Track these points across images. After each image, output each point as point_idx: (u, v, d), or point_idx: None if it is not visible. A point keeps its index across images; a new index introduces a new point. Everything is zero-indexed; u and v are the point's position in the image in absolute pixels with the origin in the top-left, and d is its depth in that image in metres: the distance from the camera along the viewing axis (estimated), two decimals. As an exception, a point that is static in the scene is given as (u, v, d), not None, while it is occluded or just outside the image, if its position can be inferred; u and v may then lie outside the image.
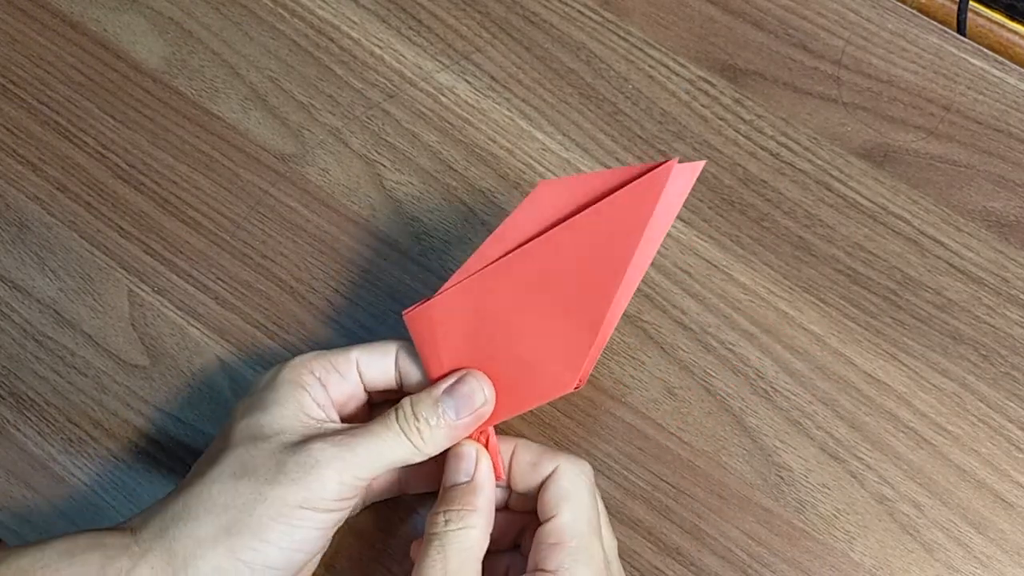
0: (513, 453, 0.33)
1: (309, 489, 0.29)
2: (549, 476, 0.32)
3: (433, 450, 0.32)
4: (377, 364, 0.34)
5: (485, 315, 0.32)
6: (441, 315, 0.33)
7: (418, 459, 0.32)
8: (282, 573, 0.30)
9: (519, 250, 0.31)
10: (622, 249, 0.30)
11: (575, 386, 0.32)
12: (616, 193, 0.30)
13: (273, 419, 0.32)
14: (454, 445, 0.32)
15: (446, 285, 0.33)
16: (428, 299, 0.33)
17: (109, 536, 0.30)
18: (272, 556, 0.29)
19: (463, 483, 0.32)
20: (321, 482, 0.30)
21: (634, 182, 0.29)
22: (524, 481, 0.33)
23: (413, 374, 0.35)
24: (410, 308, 0.33)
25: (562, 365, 0.32)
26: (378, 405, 0.36)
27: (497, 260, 0.32)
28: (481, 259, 0.32)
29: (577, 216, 0.30)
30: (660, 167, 0.29)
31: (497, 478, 0.33)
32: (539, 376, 0.32)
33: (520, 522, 0.35)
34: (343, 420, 0.35)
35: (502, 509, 0.35)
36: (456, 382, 0.32)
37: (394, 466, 0.32)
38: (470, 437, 0.33)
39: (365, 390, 0.35)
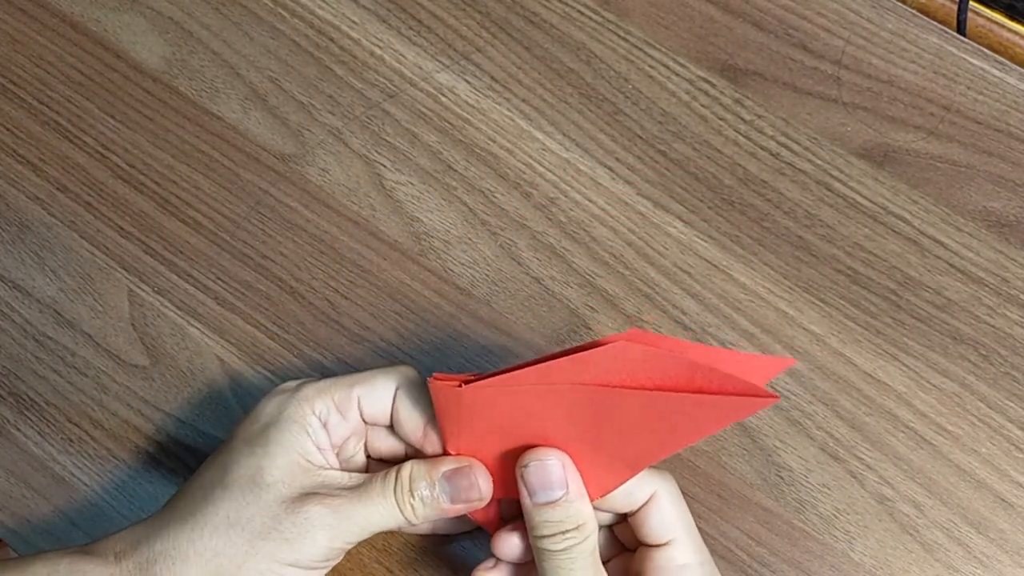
0: None
1: (300, 551, 0.30)
2: (648, 501, 0.32)
3: (420, 522, 0.32)
4: (378, 403, 0.34)
5: (523, 419, 0.31)
6: (471, 402, 0.31)
7: (404, 528, 0.32)
8: None
9: (587, 386, 0.30)
10: (696, 433, 0.30)
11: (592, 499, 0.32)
12: (721, 397, 0.28)
13: (274, 463, 0.32)
14: (535, 460, 0.31)
15: (487, 376, 0.31)
16: (461, 378, 0.31)
17: (90, 563, 0.30)
18: None
19: (560, 497, 0.31)
20: (313, 545, 0.30)
21: (742, 397, 0.28)
22: (619, 508, 0.33)
23: (406, 421, 0.34)
24: (439, 377, 0.32)
25: (591, 485, 0.32)
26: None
27: (560, 383, 0.30)
28: (535, 374, 0.30)
29: (670, 392, 0.29)
30: (768, 397, 0.28)
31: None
32: None
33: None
34: (341, 458, 0.35)
35: None
36: (458, 470, 0.32)
37: (382, 530, 0.32)
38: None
39: (364, 423, 0.35)
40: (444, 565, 0.37)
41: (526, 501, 0.31)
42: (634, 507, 0.32)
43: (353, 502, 0.31)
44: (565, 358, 0.29)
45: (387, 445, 0.35)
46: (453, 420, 0.32)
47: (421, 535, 0.37)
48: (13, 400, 0.40)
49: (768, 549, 0.37)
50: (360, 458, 0.36)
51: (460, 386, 0.31)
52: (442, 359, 0.36)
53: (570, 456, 0.32)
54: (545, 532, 0.31)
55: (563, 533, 0.30)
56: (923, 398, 0.39)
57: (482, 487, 0.32)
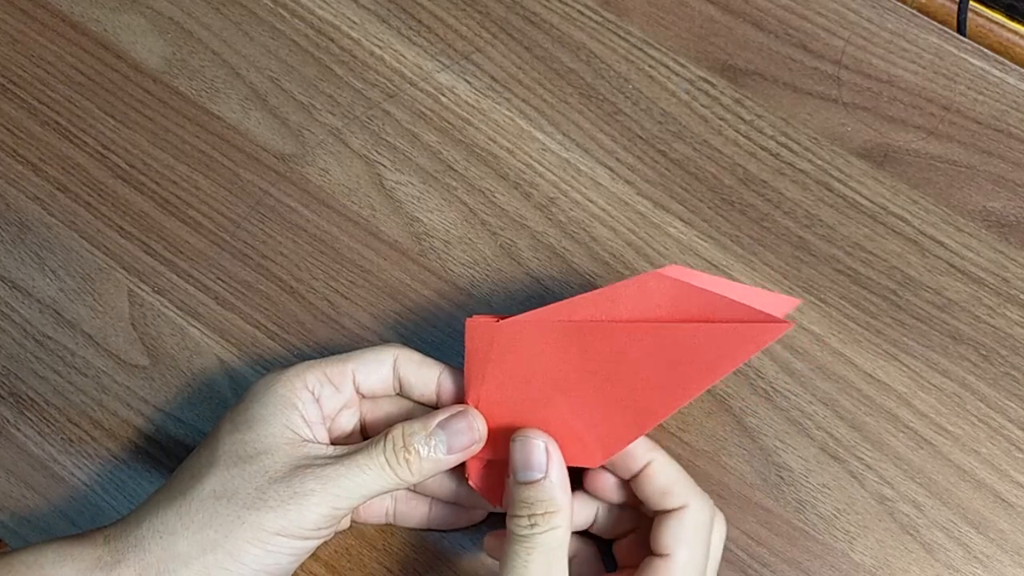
0: (648, 466, 0.32)
1: (288, 518, 0.30)
2: (675, 510, 0.32)
3: (418, 480, 0.32)
4: (374, 374, 0.34)
5: (546, 363, 0.32)
6: (504, 340, 0.32)
7: (402, 488, 0.32)
8: None
9: (608, 323, 0.30)
10: (709, 374, 0.30)
11: (597, 465, 0.32)
12: (734, 325, 0.29)
13: (259, 437, 0.31)
14: (521, 436, 0.32)
15: (522, 315, 0.32)
16: (497, 317, 0.32)
17: (78, 547, 0.30)
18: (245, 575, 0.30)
19: (538, 480, 0.31)
20: (300, 512, 0.30)
21: (755, 323, 0.29)
22: (647, 501, 0.32)
23: (413, 380, 0.34)
24: (476, 316, 0.33)
25: (596, 443, 0.32)
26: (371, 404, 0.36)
27: (582, 320, 0.31)
28: (566, 309, 0.31)
29: (684, 324, 0.29)
30: (780, 323, 0.28)
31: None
32: (570, 440, 0.32)
33: (629, 522, 0.35)
34: (334, 431, 0.35)
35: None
36: (452, 416, 0.32)
37: (376, 495, 0.32)
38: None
39: (360, 398, 0.35)
40: (444, 565, 0.37)
41: (510, 478, 0.32)
42: (660, 507, 0.32)
43: (342, 469, 0.31)
44: (595, 291, 0.30)
45: (384, 418, 0.35)
46: (481, 363, 0.32)
47: (419, 528, 0.37)
48: (13, 400, 0.40)
49: (768, 549, 0.37)
50: (355, 434, 0.36)
51: (498, 321, 0.32)
52: (442, 359, 0.36)
53: (584, 407, 0.32)
54: (515, 511, 0.31)
55: (530, 517, 0.30)
56: (923, 398, 0.39)
57: (478, 430, 0.32)
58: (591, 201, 0.42)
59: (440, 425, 0.32)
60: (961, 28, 0.48)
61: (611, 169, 0.43)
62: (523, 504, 0.31)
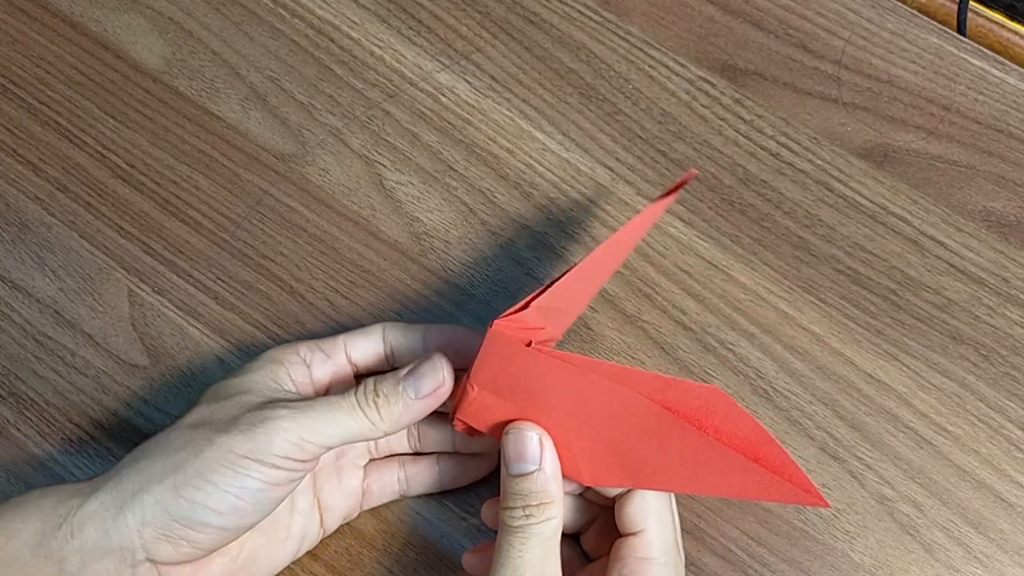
0: None
1: (255, 441, 0.30)
2: (633, 489, 0.32)
3: (389, 427, 0.32)
4: (365, 345, 0.36)
5: (563, 397, 0.31)
6: (526, 359, 0.31)
7: (374, 435, 0.32)
8: (223, 520, 0.31)
9: (649, 402, 0.30)
10: (721, 489, 0.30)
11: (584, 483, 0.33)
12: (770, 473, 0.29)
13: (240, 383, 0.33)
14: (515, 429, 0.32)
15: (557, 352, 0.31)
16: (522, 305, 0.31)
17: (68, 486, 0.31)
18: (213, 498, 0.30)
19: (531, 472, 0.31)
20: (268, 436, 0.30)
21: (787, 483, 0.29)
22: (606, 488, 0.33)
23: (403, 349, 0.36)
24: (501, 321, 0.31)
25: (587, 466, 0.32)
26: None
27: (621, 387, 0.31)
28: (608, 369, 0.31)
29: (724, 445, 0.30)
30: (811, 495, 0.29)
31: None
32: (562, 449, 0.32)
33: (588, 512, 0.35)
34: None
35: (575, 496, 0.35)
36: (419, 362, 0.33)
37: (350, 440, 0.32)
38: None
39: (354, 372, 0.36)
40: (444, 565, 0.37)
41: (503, 471, 0.32)
42: (620, 490, 0.32)
43: (314, 405, 0.32)
44: (650, 373, 0.30)
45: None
46: (493, 365, 0.32)
47: (433, 492, 0.37)
48: (13, 400, 0.40)
49: (768, 549, 0.37)
50: None
51: (530, 344, 0.31)
52: (442, 359, 0.36)
53: (579, 440, 0.32)
54: (508, 504, 0.31)
55: (524, 508, 0.30)
56: (923, 398, 0.39)
57: (444, 372, 0.33)
58: (591, 201, 0.42)
59: (408, 371, 0.33)
60: (961, 28, 0.48)
61: (611, 169, 0.43)
62: (517, 496, 0.31)
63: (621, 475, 0.31)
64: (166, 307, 0.41)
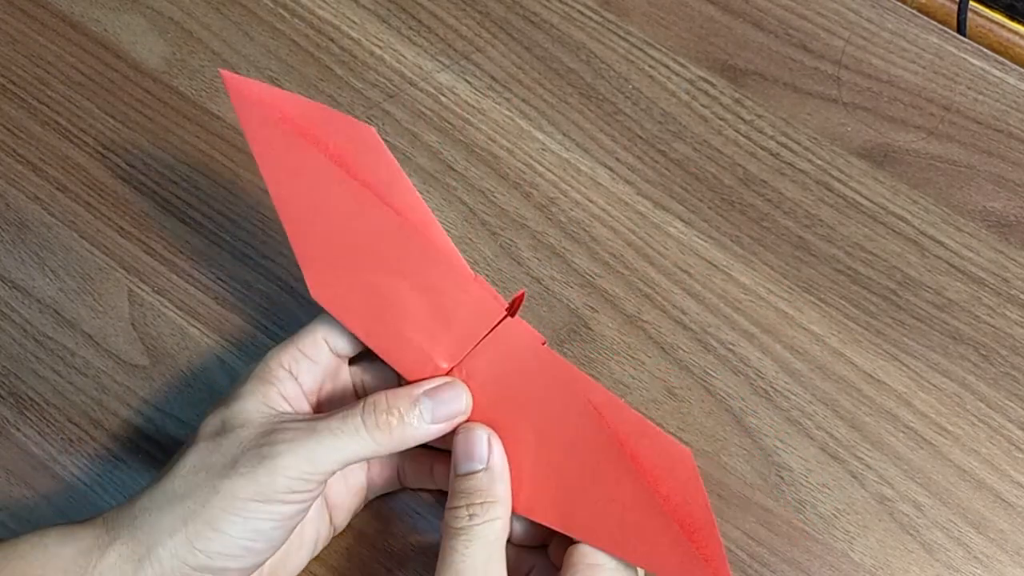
0: None
1: (259, 483, 0.30)
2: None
3: (395, 448, 0.31)
4: (345, 333, 0.34)
5: (530, 392, 0.32)
6: (515, 334, 0.32)
7: (379, 455, 0.31)
8: (242, 561, 0.30)
9: (610, 427, 0.31)
10: (642, 558, 0.30)
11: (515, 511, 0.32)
12: (688, 545, 0.29)
13: (235, 414, 0.32)
14: (463, 429, 0.32)
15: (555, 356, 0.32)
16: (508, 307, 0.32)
17: (80, 529, 0.31)
18: (227, 545, 0.30)
19: (479, 471, 0.31)
20: (271, 477, 0.30)
21: (696, 558, 0.29)
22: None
23: None
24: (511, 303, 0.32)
25: (521, 491, 0.32)
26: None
27: (591, 403, 0.31)
28: (587, 387, 0.31)
29: (664, 507, 0.30)
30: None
31: None
32: (513, 468, 0.32)
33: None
34: (322, 400, 0.35)
35: None
36: (440, 386, 0.32)
37: (353, 462, 0.31)
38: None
39: (344, 361, 0.35)
40: (444, 565, 0.37)
41: (451, 473, 0.31)
42: None
43: (314, 431, 0.31)
44: (636, 414, 0.30)
45: (379, 381, 0.36)
46: (492, 356, 0.32)
47: (432, 489, 0.37)
48: (13, 400, 0.40)
49: (768, 549, 0.37)
50: (348, 400, 0.36)
51: (511, 315, 0.32)
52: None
53: (536, 468, 0.32)
54: (453, 503, 0.30)
55: (468, 507, 0.30)
56: (923, 398, 0.39)
57: (465, 399, 0.32)
58: (591, 201, 0.42)
59: (426, 394, 0.32)
60: (961, 28, 0.48)
61: (611, 169, 0.43)
62: (461, 495, 0.30)
63: (554, 514, 0.31)
64: (166, 307, 0.41)
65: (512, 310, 0.32)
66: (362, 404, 0.31)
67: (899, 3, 0.45)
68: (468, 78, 0.44)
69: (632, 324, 0.40)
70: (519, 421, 0.32)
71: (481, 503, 0.30)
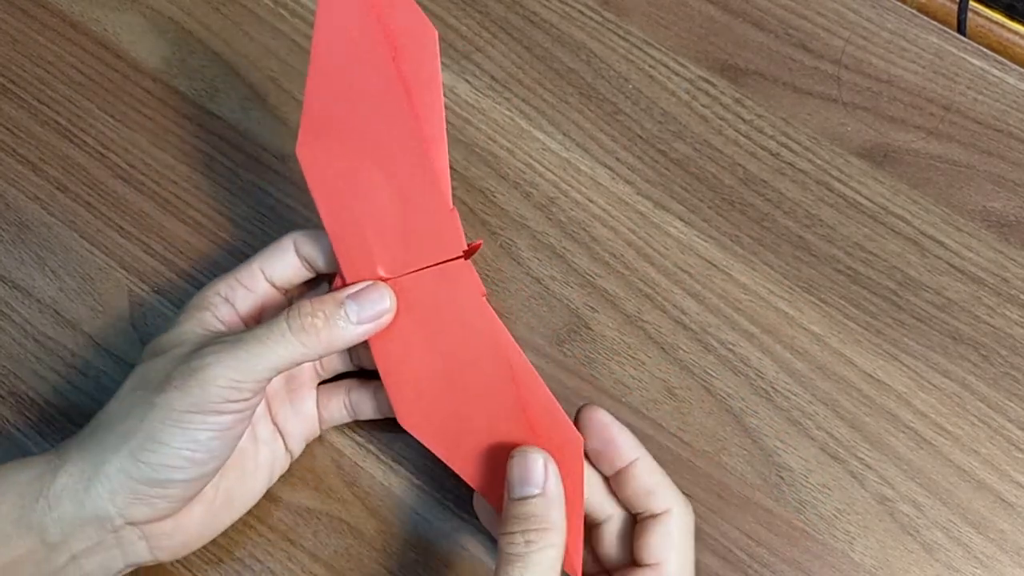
0: (633, 464, 0.32)
1: (192, 395, 0.30)
2: (659, 515, 0.31)
3: (324, 350, 0.32)
4: (279, 262, 0.35)
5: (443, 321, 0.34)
6: (446, 277, 0.33)
7: (308, 359, 0.32)
8: (185, 473, 0.31)
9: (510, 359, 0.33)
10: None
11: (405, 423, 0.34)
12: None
13: (170, 337, 0.33)
14: (518, 452, 0.31)
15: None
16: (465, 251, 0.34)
17: (34, 459, 0.32)
18: (169, 456, 0.30)
19: (535, 496, 0.30)
20: (203, 387, 0.30)
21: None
22: (629, 501, 0.32)
23: (315, 254, 0.35)
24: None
25: (414, 407, 0.34)
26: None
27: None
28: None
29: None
30: None
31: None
32: (409, 381, 0.34)
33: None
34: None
35: None
36: (364, 288, 0.33)
37: (285, 367, 0.31)
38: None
39: (283, 294, 0.36)
40: (444, 565, 0.37)
41: (506, 495, 0.31)
42: (644, 509, 0.32)
43: (242, 339, 0.31)
44: (548, 394, 0.33)
45: (333, 406, 0.37)
46: (428, 290, 0.33)
47: (378, 418, 0.37)
48: (13, 400, 0.40)
49: (768, 549, 0.37)
50: None
51: (465, 258, 0.33)
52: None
53: (433, 392, 0.33)
54: (508, 528, 0.30)
55: (524, 534, 0.29)
56: (923, 398, 0.39)
57: (390, 299, 0.33)
58: (591, 201, 0.42)
59: (351, 296, 0.32)
60: (961, 28, 0.48)
61: (611, 169, 0.43)
62: (517, 520, 0.30)
63: (438, 441, 0.33)
64: (166, 307, 0.41)
65: (467, 254, 0.33)
66: (287, 310, 0.32)
67: (899, 3, 0.45)
68: (468, 78, 0.44)
69: (632, 324, 0.40)
70: (431, 350, 0.33)
71: (537, 529, 0.30)
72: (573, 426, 0.32)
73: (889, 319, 0.40)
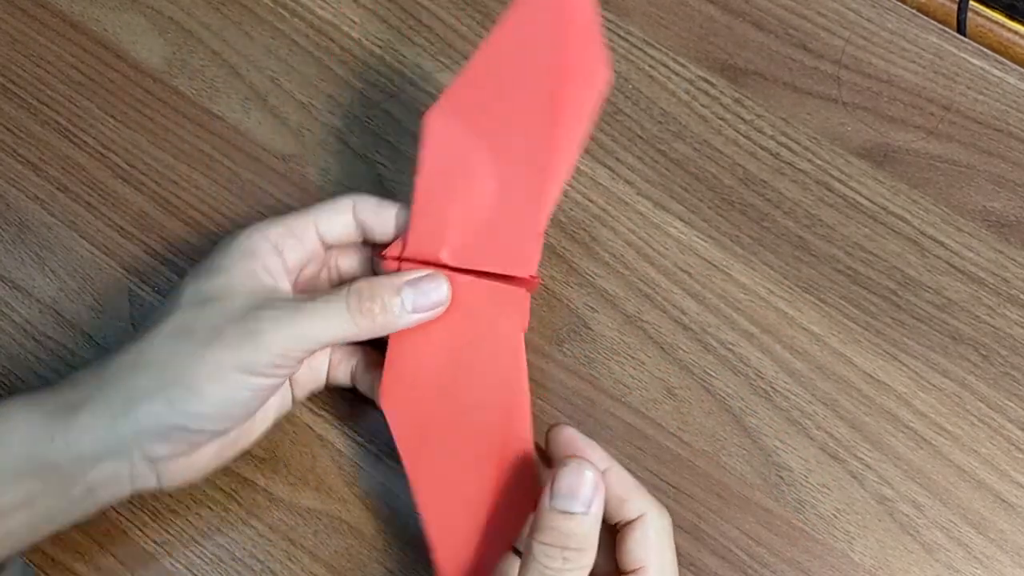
0: (605, 474, 0.31)
1: (243, 356, 0.30)
2: (635, 520, 0.31)
3: (376, 333, 0.32)
4: (335, 221, 0.35)
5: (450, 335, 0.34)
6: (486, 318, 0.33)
7: (358, 339, 0.32)
8: (217, 424, 0.32)
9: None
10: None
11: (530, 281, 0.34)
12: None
13: (216, 285, 0.32)
14: (576, 462, 0.30)
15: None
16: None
17: (47, 394, 0.31)
18: (207, 409, 0.31)
19: (579, 514, 0.29)
20: (255, 350, 0.30)
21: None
22: (605, 513, 0.31)
23: (372, 222, 0.35)
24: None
25: (400, 390, 0.34)
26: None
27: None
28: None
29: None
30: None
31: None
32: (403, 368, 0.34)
33: None
34: (300, 282, 0.36)
35: None
36: (422, 277, 0.33)
37: (334, 343, 0.32)
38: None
39: (325, 249, 0.36)
40: (444, 565, 0.37)
41: (545, 498, 0.29)
42: (620, 517, 0.31)
43: (299, 311, 0.31)
44: (529, 433, 0.33)
45: (354, 269, 0.37)
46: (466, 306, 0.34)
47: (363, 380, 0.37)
48: (13, 400, 0.40)
49: (768, 549, 0.37)
50: (324, 288, 0.37)
51: (527, 288, 0.33)
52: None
53: (423, 383, 0.33)
54: (546, 539, 0.29)
55: (563, 550, 0.29)
56: (923, 398, 0.39)
57: (446, 291, 0.33)
58: (591, 201, 0.42)
59: (408, 284, 0.33)
60: (961, 28, 0.48)
61: (611, 169, 0.43)
62: (559, 534, 0.29)
63: (403, 429, 0.33)
64: (166, 307, 0.41)
65: (530, 284, 0.33)
66: (347, 289, 0.32)
67: (899, 3, 0.45)
68: (468, 78, 0.44)
69: (632, 324, 0.40)
70: (448, 357, 0.33)
71: (576, 549, 0.29)
72: (537, 479, 0.32)
73: (889, 319, 0.40)
